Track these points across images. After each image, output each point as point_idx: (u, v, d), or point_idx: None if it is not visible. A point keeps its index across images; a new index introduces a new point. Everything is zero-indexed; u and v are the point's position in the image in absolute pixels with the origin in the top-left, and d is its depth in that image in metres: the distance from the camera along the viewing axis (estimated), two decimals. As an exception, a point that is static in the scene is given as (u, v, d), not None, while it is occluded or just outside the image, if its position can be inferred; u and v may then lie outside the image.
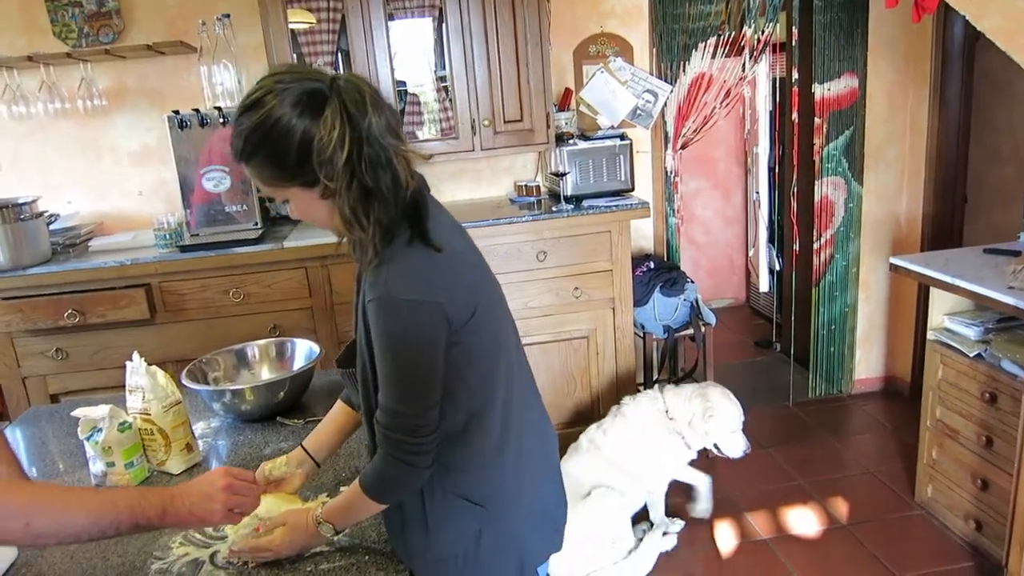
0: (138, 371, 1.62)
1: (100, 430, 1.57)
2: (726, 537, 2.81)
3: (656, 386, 2.85)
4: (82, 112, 3.05)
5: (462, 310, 1.14)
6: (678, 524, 2.82)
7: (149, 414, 1.60)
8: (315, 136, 1.06)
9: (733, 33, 3.36)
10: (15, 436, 1.88)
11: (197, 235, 2.81)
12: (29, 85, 3.01)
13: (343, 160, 1.06)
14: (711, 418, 2.64)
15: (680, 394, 2.72)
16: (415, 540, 1.27)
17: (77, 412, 1.60)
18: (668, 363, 3.42)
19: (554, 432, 1.46)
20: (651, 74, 3.43)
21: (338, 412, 1.51)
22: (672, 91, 3.42)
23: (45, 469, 1.71)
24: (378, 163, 1.09)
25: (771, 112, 4.47)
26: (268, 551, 1.25)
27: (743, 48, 3.36)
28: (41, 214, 2.78)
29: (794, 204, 3.87)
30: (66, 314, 2.69)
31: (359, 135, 1.07)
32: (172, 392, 1.64)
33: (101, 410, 1.59)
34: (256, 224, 2.83)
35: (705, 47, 3.39)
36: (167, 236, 2.78)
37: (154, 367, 1.64)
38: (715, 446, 2.73)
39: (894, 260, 2.74)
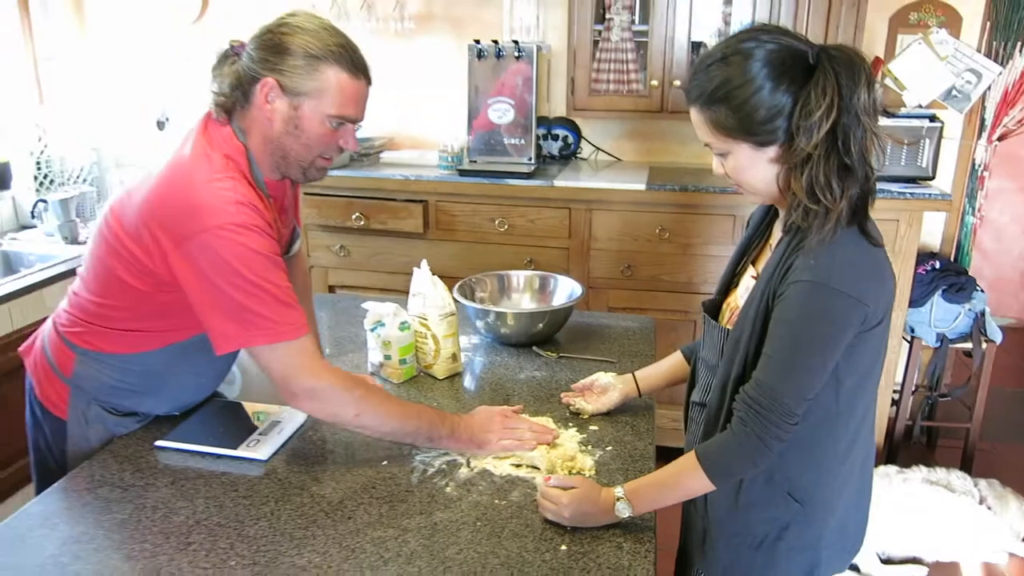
0: (423, 278, 1.74)
1: (383, 324, 1.72)
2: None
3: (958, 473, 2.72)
4: (392, 33, 3.28)
5: (874, 317, 1.13)
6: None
7: (426, 319, 1.72)
8: (795, 99, 1.09)
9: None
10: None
11: (475, 161, 2.95)
12: (353, 1, 3.27)
13: (827, 128, 1.07)
14: None
15: (997, 492, 2.65)
16: (718, 508, 1.28)
17: (366, 305, 1.76)
18: (933, 375, 3.08)
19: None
20: (978, 51, 3.01)
21: (673, 360, 1.59)
22: (1001, 73, 2.99)
23: (328, 351, 1.91)
24: (857, 139, 1.09)
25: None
26: (551, 506, 1.23)
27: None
28: (346, 123, 3.04)
29: None
30: (354, 216, 2.97)
31: (848, 107, 1.08)
32: (448, 303, 1.74)
33: (388, 307, 1.73)
34: (530, 159, 2.90)
35: (1055, 26, 2.91)
36: (449, 158, 2.94)
37: (436, 277, 1.75)
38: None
39: None
